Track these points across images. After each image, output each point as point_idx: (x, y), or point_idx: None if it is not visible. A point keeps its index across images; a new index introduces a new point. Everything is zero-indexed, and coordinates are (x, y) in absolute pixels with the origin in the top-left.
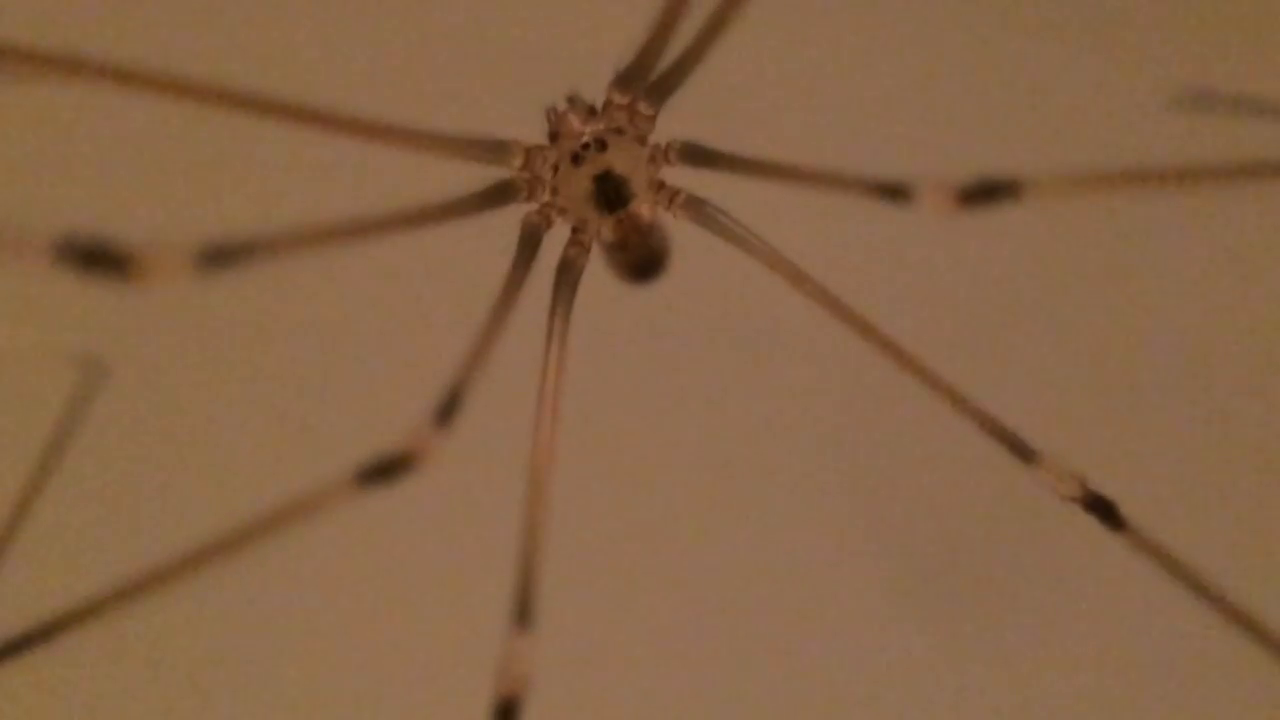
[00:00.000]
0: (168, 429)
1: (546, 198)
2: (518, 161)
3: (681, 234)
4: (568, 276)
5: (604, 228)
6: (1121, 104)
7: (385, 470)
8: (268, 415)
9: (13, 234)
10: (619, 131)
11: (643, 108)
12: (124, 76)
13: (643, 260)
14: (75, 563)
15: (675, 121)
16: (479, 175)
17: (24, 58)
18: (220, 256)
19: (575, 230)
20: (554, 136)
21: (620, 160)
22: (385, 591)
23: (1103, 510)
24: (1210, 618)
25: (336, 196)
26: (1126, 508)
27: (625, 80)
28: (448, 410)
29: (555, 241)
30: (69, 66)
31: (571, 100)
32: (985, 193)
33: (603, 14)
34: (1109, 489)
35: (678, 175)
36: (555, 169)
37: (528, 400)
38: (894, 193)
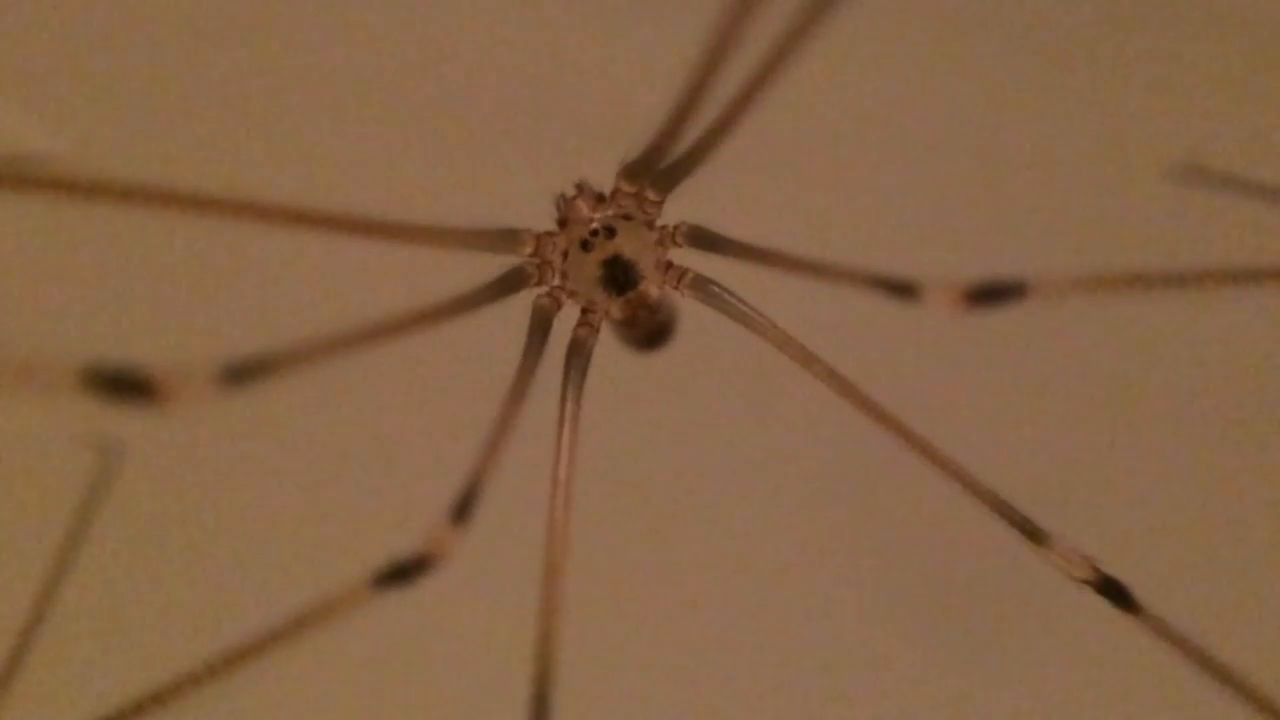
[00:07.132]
0: (182, 525)
1: (556, 281)
2: (528, 249)
3: (689, 303)
4: (578, 357)
5: (613, 307)
6: (1117, 179)
7: (403, 572)
8: (283, 513)
9: (39, 362)
10: (627, 217)
11: (651, 195)
12: (131, 192)
13: (650, 333)
14: (93, 663)
15: (684, 200)
16: (486, 266)
17: (40, 180)
18: (241, 374)
19: (585, 311)
20: (563, 223)
21: (629, 245)
22: (403, 689)
23: (1115, 593)
24: (1225, 698)
25: (352, 296)
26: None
27: (633, 170)
28: (464, 507)
29: (564, 323)
30: (84, 187)
31: (580, 187)
32: (991, 293)
33: (610, 102)
34: (1119, 571)
35: (685, 254)
36: (565, 254)
37: (542, 487)
38: (901, 290)
